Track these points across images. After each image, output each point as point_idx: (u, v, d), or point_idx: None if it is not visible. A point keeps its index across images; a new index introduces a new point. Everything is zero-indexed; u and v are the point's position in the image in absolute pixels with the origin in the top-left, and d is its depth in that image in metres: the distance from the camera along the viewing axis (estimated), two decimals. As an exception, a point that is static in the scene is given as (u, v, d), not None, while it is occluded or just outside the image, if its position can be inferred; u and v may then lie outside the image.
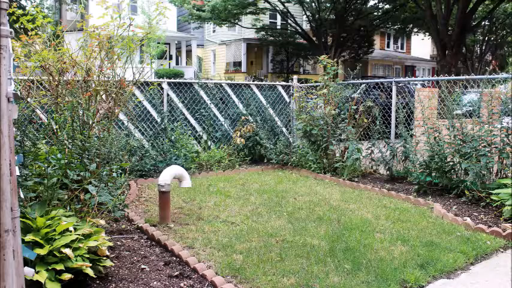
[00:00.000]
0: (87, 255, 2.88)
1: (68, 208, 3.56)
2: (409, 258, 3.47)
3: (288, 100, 8.96)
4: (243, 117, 8.01)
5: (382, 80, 9.14)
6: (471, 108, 6.19)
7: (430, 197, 5.46)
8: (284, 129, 8.85)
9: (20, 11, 4.41)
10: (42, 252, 2.68)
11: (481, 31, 26.52)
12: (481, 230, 4.17)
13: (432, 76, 27.13)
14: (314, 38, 22.81)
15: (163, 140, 7.10)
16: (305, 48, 25.05)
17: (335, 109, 7.14)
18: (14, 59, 4.46)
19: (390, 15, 22.74)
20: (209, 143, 7.91)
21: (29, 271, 2.25)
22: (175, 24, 28.51)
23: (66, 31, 4.75)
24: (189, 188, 5.51)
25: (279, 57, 27.62)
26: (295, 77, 9.27)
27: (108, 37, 4.75)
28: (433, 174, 5.65)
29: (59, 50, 4.66)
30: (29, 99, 4.76)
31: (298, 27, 22.41)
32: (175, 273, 3.19)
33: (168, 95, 7.49)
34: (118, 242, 3.80)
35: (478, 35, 27.07)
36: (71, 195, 3.66)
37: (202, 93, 7.87)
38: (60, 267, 2.68)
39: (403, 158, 6.46)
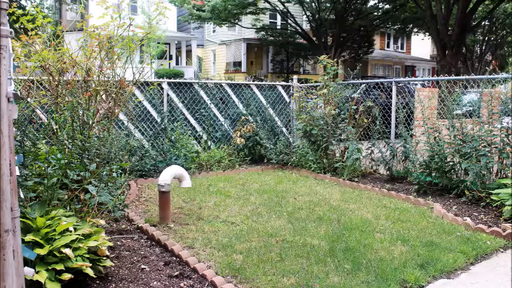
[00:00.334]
0: (87, 255, 2.87)
1: (68, 208, 3.56)
2: (409, 258, 3.47)
3: (288, 100, 8.96)
4: (243, 117, 8.01)
5: (382, 80, 9.14)
6: (471, 108, 6.19)
7: (430, 197, 5.46)
8: (284, 129, 8.85)
9: (20, 11, 4.40)
10: (42, 252, 2.68)
11: (481, 31, 26.51)
12: (481, 230, 4.17)
13: (432, 76, 27.14)
14: (314, 38, 22.81)
15: (163, 140, 7.10)
16: (305, 48, 25.06)
17: (335, 109, 7.14)
18: (14, 59, 4.46)
19: (390, 15, 22.74)
20: (209, 143, 7.91)
21: (29, 271, 2.25)
22: (175, 24, 28.51)
23: (66, 31, 4.75)
24: (189, 188, 5.51)
25: (279, 57, 27.62)
26: (295, 77, 9.27)
27: (108, 37, 4.75)
28: (433, 174, 5.65)
29: (59, 50, 4.66)
30: (29, 99, 4.76)
31: (298, 27, 22.41)
32: (175, 273, 3.19)
33: (168, 95, 7.49)
34: (118, 242, 3.80)
35: (478, 35, 27.07)
36: (71, 195, 3.66)
37: (202, 93, 7.87)
38: (60, 267, 2.68)
39: (403, 158, 6.46)
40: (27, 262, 2.53)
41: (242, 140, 7.63)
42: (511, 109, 5.20)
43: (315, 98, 7.66)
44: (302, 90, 8.52)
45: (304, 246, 3.74)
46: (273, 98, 8.78)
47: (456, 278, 3.23)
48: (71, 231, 2.95)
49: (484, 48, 27.20)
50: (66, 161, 3.70)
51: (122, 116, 6.64)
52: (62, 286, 2.65)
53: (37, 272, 2.58)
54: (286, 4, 21.47)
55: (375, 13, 23.39)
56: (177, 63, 28.93)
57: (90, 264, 2.83)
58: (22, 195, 3.20)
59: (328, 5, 21.55)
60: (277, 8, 21.90)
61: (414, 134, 6.46)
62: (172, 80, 7.73)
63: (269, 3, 21.27)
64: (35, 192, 3.55)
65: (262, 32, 24.94)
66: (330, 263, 3.37)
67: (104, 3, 4.51)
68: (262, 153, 7.90)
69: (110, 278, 3.09)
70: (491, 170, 5.22)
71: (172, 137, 7.16)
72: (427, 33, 24.25)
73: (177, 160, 6.82)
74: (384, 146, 6.70)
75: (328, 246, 3.72)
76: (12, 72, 2.13)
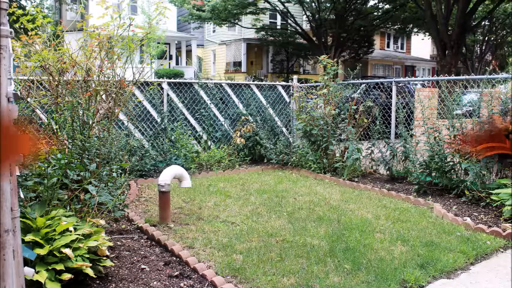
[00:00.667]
0: (87, 255, 2.88)
1: (68, 208, 3.56)
2: (409, 258, 3.47)
3: (288, 100, 8.96)
4: (243, 117, 8.01)
5: (382, 80, 9.14)
6: (471, 108, 6.19)
7: (430, 197, 5.46)
8: (284, 129, 8.85)
9: (20, 11, 4.40)
10: (42, 252, 2.68)
11: (481, 31, 26.51)
12: (481, 230, 4.17)
13: (432, 76, 27.13)
14: (314, 38, 22.80)
15: (163, 140, 7.10)
16: (305, 48, 25.05)
17: (335, 109, 7.14)
18: (14, 59, 4.46)
19: (390, 15, 22.73)
20: (209, 143, 7.91)
21: (29, 271, 2.25)
22: (175, 24, 28.50)
23: (66, 31, 4.75)
24: (189, 188, 5.51)
25: (279, 57, 27.62)
26: (295, 77, 9.27)
27: (108, 37, 4.75)
28: (433, 174, 5.65)
29: (59, 50, 4.66)
30: (29, 99, 4.76)
31: (298, 27, 22.40)
32: (175, 273, 3.19)
33: (168, 95, 7.49)
34: (118, 242, 3.80)
35: (478, 35, 27.06)
36: (71, 195, 3.66)
37: (202, 93, 7.87)
38: (60, 267, 2.68)
39: (403, 158, 6.46)
40: (27, 262, 2.53)
41: (242, 140, 7.63)
42: (511, 109, 5.20)
43: (315, 98, 7.66)
44: (302, 90, 8.52)
45: (304, 246, 3.74)
46: (273, 98, 8.78)
47: (456, 278, 3.24)
48: (71, 231, 2.95)
49: (484, 48, 27.19)
50: (66, 161, 3.70)
51: (122, 116, 6.64)
52: (62, 286, 2.65)
53: (37, 272, 2.58)
54: (286, 4, 21.46)
55: (375, 13, 23.39)
56: (177, 63, 28.92)
57: (90, 264, 2.83)
58: (22, 195, 3.20)
59: (328, 5, 21.54)
60: (277, 8, 21.90)
61: (414, 134, 6.46)
62: (172, 80, 7.73)
63: (269, 3, 21.27)
64: (35, 192, 3.55)
65: (262, 32, 24.94)
66: (330, 263, 3.37)
67: (104, 3, 4.51)
68: (262, 153, 7.90)
69: (110, 278, 3.09)
70: (491, 170, 5.22)
71: (172, 137, 7.16)
72: (427, 33, 24.24)
73: (177, 160, 6.82)
74: (384, 146, 6.70)
75: (328, 246, 3.72)
76: (12, 72, 2.13)
